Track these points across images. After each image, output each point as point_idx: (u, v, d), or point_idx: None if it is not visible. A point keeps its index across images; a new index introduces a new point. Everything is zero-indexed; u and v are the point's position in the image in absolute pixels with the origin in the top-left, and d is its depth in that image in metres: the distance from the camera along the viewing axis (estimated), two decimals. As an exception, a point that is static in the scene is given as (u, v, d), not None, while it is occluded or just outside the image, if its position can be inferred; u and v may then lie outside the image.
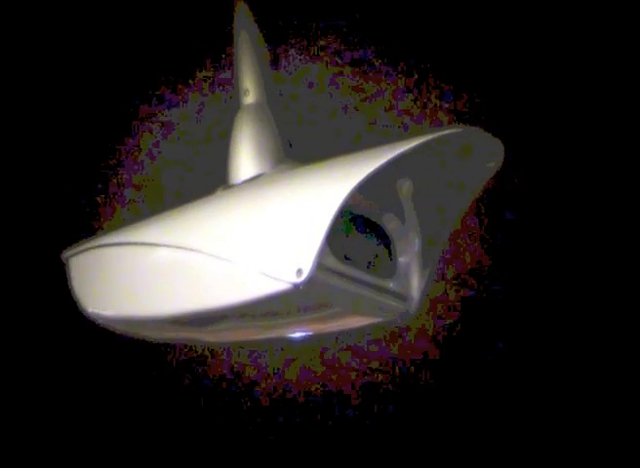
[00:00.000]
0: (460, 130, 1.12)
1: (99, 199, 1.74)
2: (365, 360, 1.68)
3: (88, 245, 1.25)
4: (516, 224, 1.58)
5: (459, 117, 1.56)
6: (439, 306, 1.61)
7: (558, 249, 1.57)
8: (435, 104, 1.58)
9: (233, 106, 1.29)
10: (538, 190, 1.56)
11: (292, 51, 1.58)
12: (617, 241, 1.54)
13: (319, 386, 1.70)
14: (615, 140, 1.53)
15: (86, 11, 1.70)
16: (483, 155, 1.16)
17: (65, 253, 1.26)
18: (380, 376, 1.67)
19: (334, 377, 1.69)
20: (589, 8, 1.51)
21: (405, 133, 1.56)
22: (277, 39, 1.55)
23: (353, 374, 1.68)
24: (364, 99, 1.59)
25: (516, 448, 1.59)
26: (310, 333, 1.32)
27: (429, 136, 1.08)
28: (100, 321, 1.23)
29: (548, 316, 1.57)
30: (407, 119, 1.58)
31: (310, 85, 1.58)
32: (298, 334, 1.33)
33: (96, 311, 1.22)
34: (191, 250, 1.13)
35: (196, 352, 1.70)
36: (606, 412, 1.55)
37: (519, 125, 1.54)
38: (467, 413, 1.61)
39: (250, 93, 1.28)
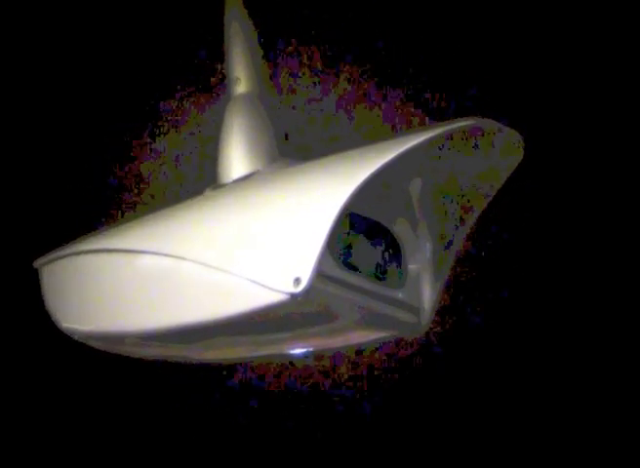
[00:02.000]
0: (474, 122, 1.06)
1: (85, 201, 1.75)
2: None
3: (63, 252, 1.18)
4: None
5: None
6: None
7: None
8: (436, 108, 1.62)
9: (224, 99, 1.24)
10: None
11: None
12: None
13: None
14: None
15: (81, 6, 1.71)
16: (500, 151, 1.10)
17: (38, 262, 1.20)
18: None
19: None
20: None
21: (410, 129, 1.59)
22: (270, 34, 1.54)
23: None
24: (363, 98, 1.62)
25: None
26: (311, 349, 1.27)
27: (441, 129, 1.02)
28: (75, 336, 1.18)
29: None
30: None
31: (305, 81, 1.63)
32: (298, 351, 1.27)
33: (71, 326, 1.17)
34: (177, 257, 1.07)
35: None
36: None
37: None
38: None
39: (241, 81, 1.21)
